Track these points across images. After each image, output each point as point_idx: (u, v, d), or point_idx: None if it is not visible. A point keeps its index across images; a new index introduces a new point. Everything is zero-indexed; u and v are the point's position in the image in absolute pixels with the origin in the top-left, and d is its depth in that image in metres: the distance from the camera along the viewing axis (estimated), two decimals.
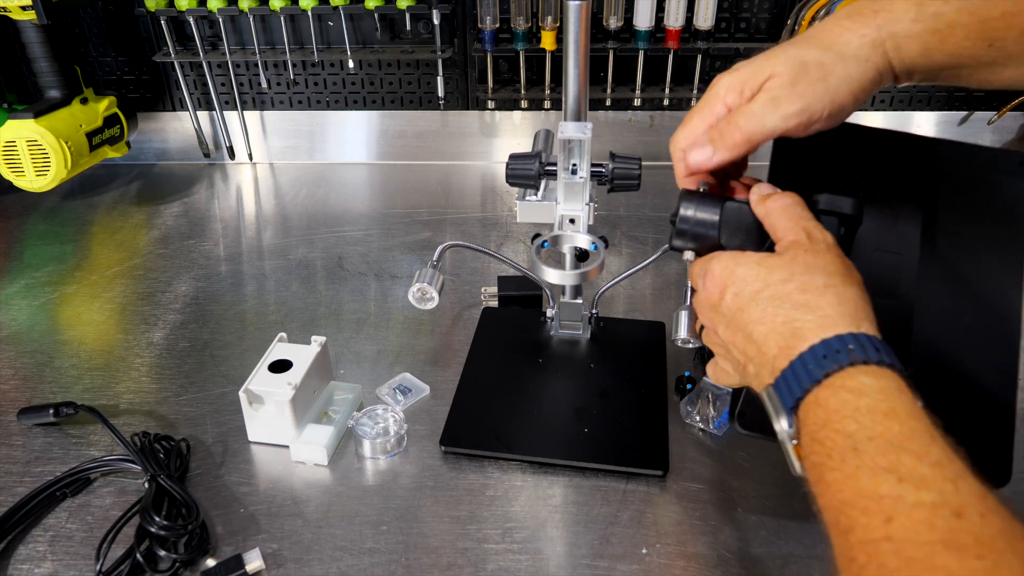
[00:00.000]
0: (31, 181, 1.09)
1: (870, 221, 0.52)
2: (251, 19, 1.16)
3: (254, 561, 0.58)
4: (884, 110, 1.24)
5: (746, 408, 0.53)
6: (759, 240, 0.51)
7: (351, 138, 1.30)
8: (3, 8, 1.01)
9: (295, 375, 0.69)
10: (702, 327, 0.53)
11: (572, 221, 0.71)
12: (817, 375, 0.41)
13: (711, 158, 0.52)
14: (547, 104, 1.23)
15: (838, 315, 0.43)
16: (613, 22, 1.13)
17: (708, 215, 0.52)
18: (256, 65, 1.23)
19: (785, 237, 0.48)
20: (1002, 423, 0.51)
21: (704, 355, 0.60)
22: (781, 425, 0.43)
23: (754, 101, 0.49)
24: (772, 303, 0.45)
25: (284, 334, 0.74)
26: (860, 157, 0.55)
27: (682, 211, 0.52)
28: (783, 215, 0.49)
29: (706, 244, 0.52)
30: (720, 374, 0.52)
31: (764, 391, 0.44)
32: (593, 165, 0.70)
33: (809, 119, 0.49)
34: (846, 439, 0.38)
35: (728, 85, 0.51)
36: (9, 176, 1.09)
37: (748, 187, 0.53)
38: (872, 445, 0.37)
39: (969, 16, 0.46)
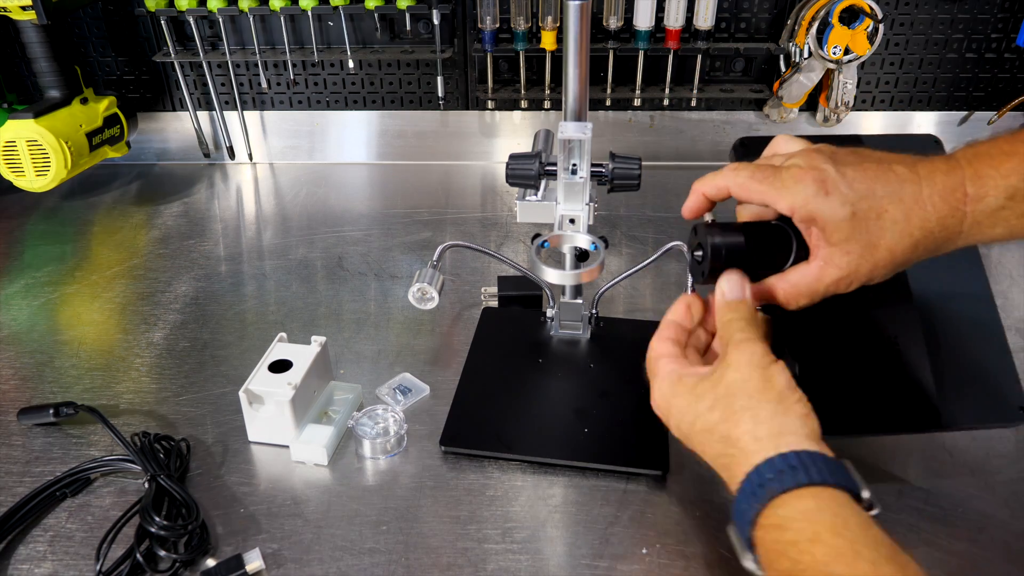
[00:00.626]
0: (31, 181, 1.09)
1: None
2: (251, 19, 1.16)
3: (254, 561, 0.58)
4: (884, 110, 1.24)
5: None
6: (785, 252, 0.52)
7: (351, 138, 1.30)
8: (3, 8, 1.01)
9: (295, 375, 0.69)
10: None
11: (572, 221, 0.71)
12: (749, 517, 0.43)
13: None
14: (547, 104, 1.23)
15: (753, 442, 0.45)
16: (613, 22, 1.13)
17: (735, 239, 0.53)
18: (256, 65, 1.23)
19: (722, 354, 0.50)
20: (1004, 365, 0.55)
21: None
22: (748, 564, 0.44)
23: (812, 264, 0.49)
24: (703, 436, 0.48)
25: (284, 334, 0.74)
26: None
27: (712, 241, 0.53)
28: (727, 328, 0.51)
29: (740, 267, 0.54)
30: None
31: (728, 529, 0.47)
32: (593, 165, 0.70)
33: (851, 279, 0.49)
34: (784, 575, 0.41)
35: (805, 204, 0.48)
36: (9, 176, 1.09)
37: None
38: None
39: None
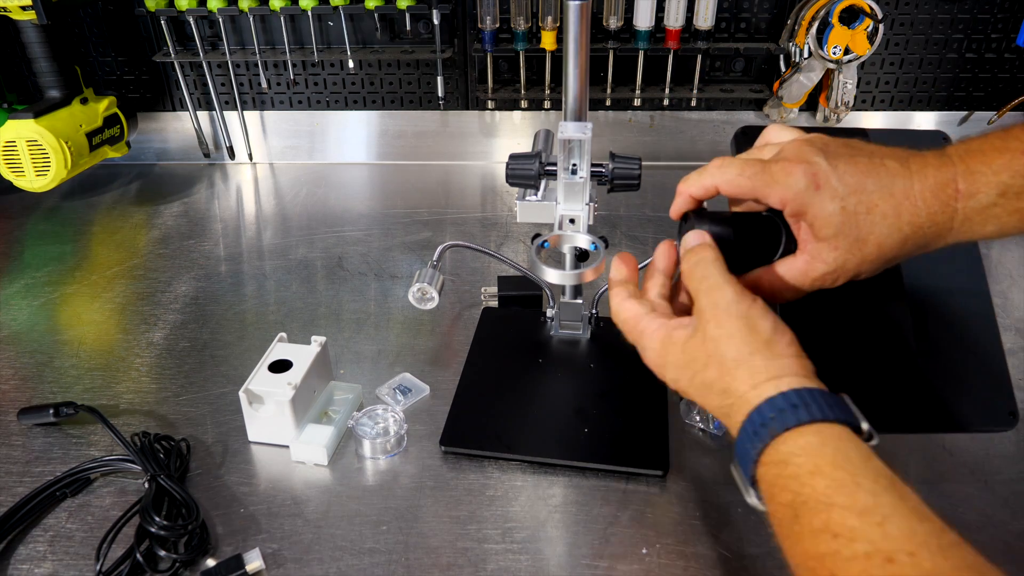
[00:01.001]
0: (31, 181, 1.09)
1: None
2: (251, 19, 1.16)
3: (254, 561, 0.58)
4: (884, 110, 1.24)
5: None
6: (775, 244, 0.51)
7: (351, 138, 1.30)
8: (3, 8, 1.01)
9: (295, 375, 0.69)
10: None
11: (572, 221, 0.71)
12: (752, 455, 0.43)
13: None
14: (547, 104, 1.23)
15: (752, 389, 0.45)
16: (613, 22, 1.13)
17: (723, 230, 0.52)
18: (256, 65, 1.23)
19: (696, 305, 0.49)
20: (997, 368, 0.54)
21: None
22: (751, 500, 0.45)
23: (798, 258, 0.49)
24: (702, 390, 0.48)
25: (284, 334, 0.74)
26: None
27: (699, 230, 0.52)
28: (691, 278, 0.50)
29: (727, 257, 0.53)
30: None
31: (731, 466, 0.47)
32: (593, 165, 0.70)
33: (838, 274, 0.49)
34: (786, 508, 0.41)
35: (796, 196, 0.48)
36: (9, 176, 1.09)
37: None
38: (806, 508, 0.40)
39: None
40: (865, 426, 0.43)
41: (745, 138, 0.58)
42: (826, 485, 0.39)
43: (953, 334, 0.55)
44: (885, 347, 0.54)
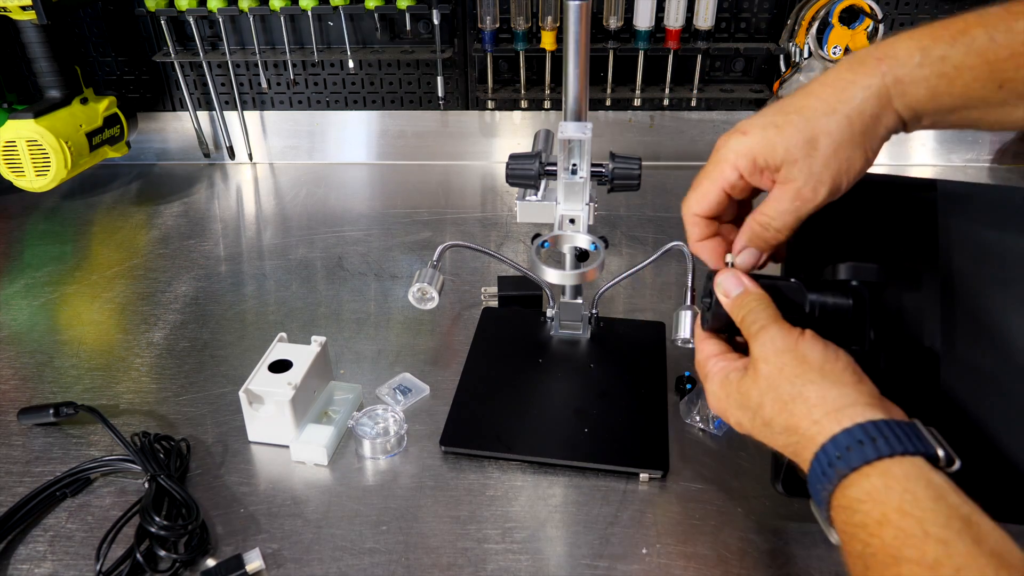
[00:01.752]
0: (31, 181, 1.09)
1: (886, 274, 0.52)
2: (251, 19, 1.16)
3: (254, 561, 0.58)
4: None
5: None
6: (803, 312, 0.50)
7: (351, 138, 1.30)
8: (3, 8, 1.01)
9: (295, 375, 0.69)
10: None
11: (572, 221, 0.71)
12: (823, 498, 0.41)
13: (760, 260, 0.53)
14: (547, 104, 1.23)
15: (813, 425, 0.43)
16: (613, 22, 1.13)
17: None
18: (256, 65, 1.23)
19: (750, 350, 0.49)
20: None
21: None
22: (833, 539, 0.43)
23: (779, 198, 0.49)
24: (765, 431, 0.47)
25: (284, 334, 0.74)
26: (864, 207, 0.53)
27: (734, 272, 0.52)
28: (742, 325, 0.50)
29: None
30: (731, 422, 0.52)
31: (811, 504, 0.45)
32: (593, 165, 0.70)
33: (833, 195, 0.48)
34: (857, 559, 0.39)
35: (737, 152, 0.49)
36: (9, 176, 1.09)
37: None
38: (876, 561, 0.38)
39: (977, 58, 0.44)
40: (941, 453, 0.40)
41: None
42: (893, 536, 0.37)
43: (987, 415, 0.51)
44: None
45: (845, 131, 0.46)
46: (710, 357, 0.53)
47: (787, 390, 0.45)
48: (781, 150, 0.47)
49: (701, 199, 0.52)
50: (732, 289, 0.51)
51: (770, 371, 0.46)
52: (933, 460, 0.40)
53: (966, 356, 0.50)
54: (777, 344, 0.47)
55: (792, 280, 0.52)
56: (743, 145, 0.49)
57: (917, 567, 0.36)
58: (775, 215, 0.50)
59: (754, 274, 0.53)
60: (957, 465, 0.40)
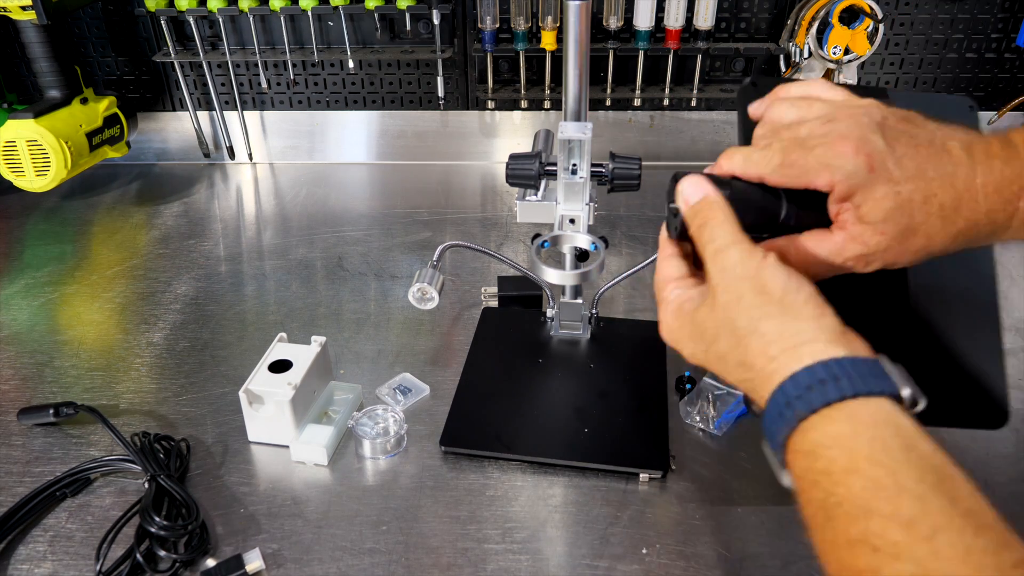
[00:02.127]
0: (31, 181, 1.09)
1: None
2: (251, 19, 1.16)
3: (254, 561, 0.58)
4: None
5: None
6: (773, 214, 0.46)
7: (351, 138, 1.30)
8: (3, 8, 1.01)
9: (295, 375, 0.69)
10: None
11: (572, 221, 0.71)
12: (779, 440, 0.38)
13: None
14: (547, 104, 1.23)
15: (769, 363, 0.39)
16: (613, 22, 1.13)
17: (721, 190, 0.46)
18: (256, 65, 1.23)
19: (706, 271, 0.44)
20: (993, 364, 0.51)
21: None
22: (785, 482, 0.40)
23: (835, 234, 0.44)
24: (719, 365, 0.43)
25: (284, 334, 0.74)
26: None
27: (698, 177, 0.47)
28: (698, 241, 0.45)
29: None
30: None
31: (761, 444, 0.42)
32: (593, 165, 0.70)
33: (872, 259, 0.45)
34: (818, 508, 0.36)
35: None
36: (9, 176, 1.09)
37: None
38: (841, 511, 0.35)
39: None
40: (906, 391, 0.37)
41: (756, 91, 0.52)
42: (863, 487, 0.34)
43: (952, 327, 0.52)
44: (881, 336, 0.52)
45: (946, 242, 0.44)
46: (668, 281, 0.48)
47: (743, 323, 0.41)
48: (880, 215, 0.43)
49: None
50: (692, 195, 0.46)
51: (727, 301, 0.42)
52: (898, 400, 0.37)
53: (931, 270, 0.50)
54: (737, 271, 0.42)
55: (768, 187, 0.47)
56: (859, 183, 0.43)
57: (890, 523, 0.33)
58: (821, 254, 0.45)
59: (722, 178, 0.47)
60: (922, 405, 0.37)
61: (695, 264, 0.48)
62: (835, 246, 0.44)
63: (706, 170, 0.48)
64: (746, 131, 0.50)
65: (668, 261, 0.49)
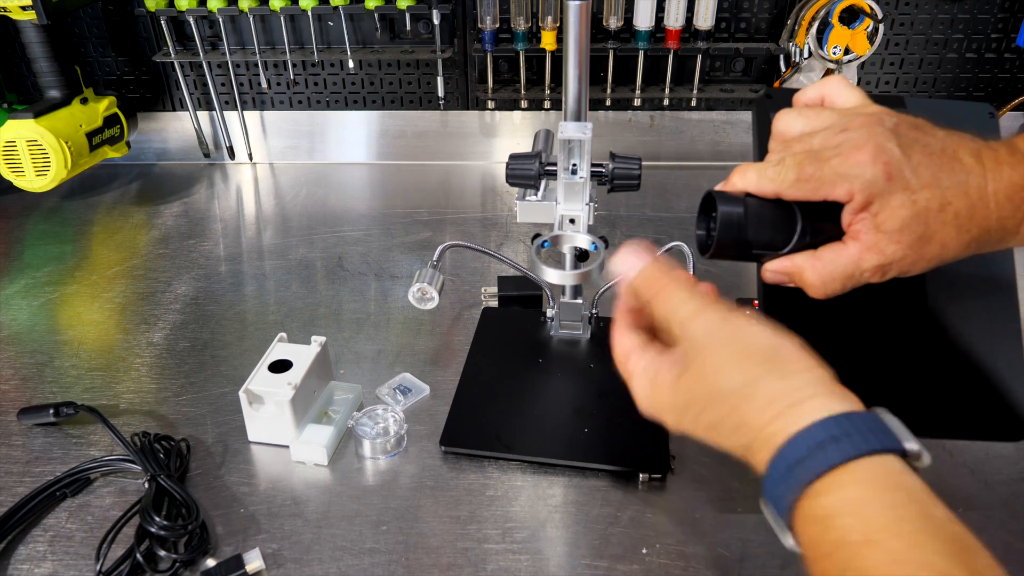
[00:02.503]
0: (31, 181, 1.09)
1: None
2: (251, 19, 1.16)
3: (254, 561, 0.58)
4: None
5: None
6: (788, 231, 0.45)
7: (351, 138, 1.30)
8: (3, 8, 1.01)
9: (295, 375, 0.69)
10: None
11: (572, 221, 0.71)
12: (784, 504, 0.37)
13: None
14: (547, 104, 1.23)
15: (767, 425, 0.38)
16: (613, 22, 1.13)
17: (734, 208, 0.46)
18: (256, 65, 1.23)
19: (676, 339, 0.43)
20: (1014, 376, 0.50)
21: None
22: (788, 544, 0.38)
23: (849, 246, 0.44)
24: (711, 433, 0.41)
25: (284, 334, 0.74)
26: None
27: (723, 209, 0.45)
28: (659, 311, 0.44)
29: (739, 247, 0.47)
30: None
31: (760, 502, 0.40)
32: (593, 165, 0.70)
33: (889, 269, 0.45)
34: None
35: None
36: (9, 176, 1.09)
37: None
38: None
39: None
40: (912, 446, 0.36)
41: (771, 102, 0.52)
42: (883, 561, 0.33)
43: (970, 333, 0.51)
44: (899, 347, 0.50)
45: (960, 249, 0.44)
46: (630, 353, 0.46)
47: (735, 387, 0.39)
48: (897, 224, 0.43)
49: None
50: (630, 269, 0.45)
51: (712, 368, 0.40)
52: (904, 456, 0.36)
53: (949, 280, 0.50)
54: (715, 336, 0.41)
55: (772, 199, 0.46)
56: (878, 191, 0.43)
57: None
58: (837, 268, 0.45)
59: (735, 196, 0.46)
60: (927, 460, 0.36)
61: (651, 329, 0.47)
62: (852, 259, 0.44)
63: (718, 187, 0.47)
64: (762, 143, 0.50)
65: (624, 334, 0.48)
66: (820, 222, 0.45)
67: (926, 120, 0.45)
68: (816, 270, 0.45)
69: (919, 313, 0.51)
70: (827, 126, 0.45)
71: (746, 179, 0.46)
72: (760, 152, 0.50)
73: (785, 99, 0.50)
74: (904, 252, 0.43)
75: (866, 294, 0.46)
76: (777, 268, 0.47)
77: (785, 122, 0.48)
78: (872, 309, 0.50)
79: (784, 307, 0.49)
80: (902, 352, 0.49)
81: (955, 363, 0.51)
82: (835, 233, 0.45)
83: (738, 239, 0.46)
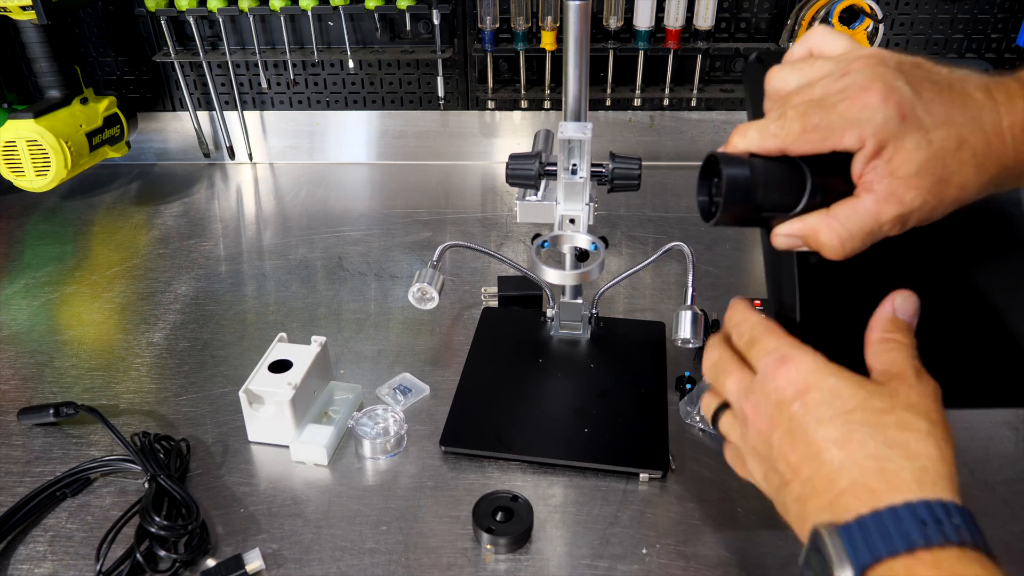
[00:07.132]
0: (31, 181, 1.09)
1: None
2: (251, 19, 1.16)
3: (254, 561, 0.58)
4: None
5: None
6: (798, 189, 0.42)
7: (351, 138, 1.30)
8: (3, 8, 1.01)
9: (295, 375, 0.69)
10: (722, 407, 0.47)
11: (572, 221, 0.71)
12: (915, 540, 0.35)
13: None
14: (547, 104, 1.23)
15: (937, 473, 0.37)
16: (613, 22, 1.13)
17: (740, 170, 0.43)
18: (256, 65, 1.23)
19: (889, 368, 0.41)
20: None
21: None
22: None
23: (864, 198, 0.41)
24: (862, 429, 0.39)
25: (284, 334, 0.74)
26: None
27: (727, 171, 0.42)
28: (886, 351, 0.43)
29: (747, 211, 0.44)
30: (737, 465, 0.46)
31: (823, 530, 0.38)
32: (593, 165, 0.70)
33: (909, 218, 0.42)
34: None
35: None
36: (9, 176, 1.09)
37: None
38: None
39: None
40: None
41: (762, 66, 0.48)
42: None
43: (1006, 304, 0.47)
44: (931, 316, 0.46)
45: (980, 189, 0.42)
46: (758, 340, 0.44)
47: (925, 426, 0.38)
48: (913, 167, 0.41)
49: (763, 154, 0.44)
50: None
51: (918, 402, 0.40)
52: (988, 554, 0.36)
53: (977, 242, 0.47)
54: (934, 391, 0.40)
55: None
56: (891, 133, 0.40)
57: None
58: (855, 224, 0.42)
59: (739, 157, 0.43)
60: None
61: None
62: (870, 212, 0.40)
63: (720, 149, 0.45)
64: (756, 109, 0.48)
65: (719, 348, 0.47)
66: (828, 178, 0.42)
67: (925, 58, 0.42)
68: (832, 228, 0.41)
69: (951, 283, 0.48)
70: (825, 74, 0.42)
71: (747, 138, 0.43)
72: (755, 118, 0.47)
73: (776, 61, 0.47)
74: (924, 198, 0.40)
75: (887, 258, 0.44)
76: (789, 231, 0.43)
77: (779, 79, 0.44)
78: (894, 274, 0.47)
79: (826, 296, 0.46)
80: (936, 322, 0.46)
81: (991, 331, 0.48)
82: (846, 188, 0.42)
83: (745, 202, 0.43)
